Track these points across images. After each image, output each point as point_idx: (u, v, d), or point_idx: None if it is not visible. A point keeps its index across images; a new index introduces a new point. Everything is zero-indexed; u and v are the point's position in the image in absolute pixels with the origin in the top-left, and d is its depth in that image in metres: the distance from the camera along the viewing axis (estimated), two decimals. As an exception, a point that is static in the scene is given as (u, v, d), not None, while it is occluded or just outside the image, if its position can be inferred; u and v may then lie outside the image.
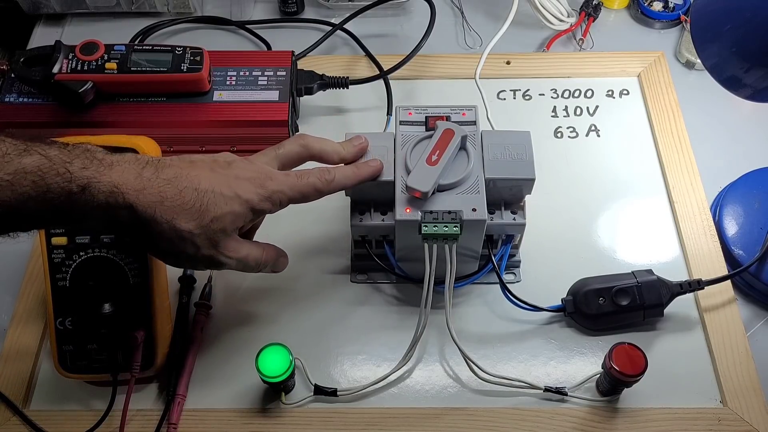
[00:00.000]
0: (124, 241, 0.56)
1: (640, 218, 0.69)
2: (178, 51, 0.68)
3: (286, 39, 0.83)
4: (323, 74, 0.74)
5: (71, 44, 0.68)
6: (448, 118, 0.59)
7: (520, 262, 0.65)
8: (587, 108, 0.77)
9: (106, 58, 0.67)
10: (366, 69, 0.79)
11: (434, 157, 0.55)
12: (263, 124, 0.69)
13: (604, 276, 0.62)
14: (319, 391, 0.58)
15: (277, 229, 0.67)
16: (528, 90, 0.78)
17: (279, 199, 0.51)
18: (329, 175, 0.54)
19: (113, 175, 0.44)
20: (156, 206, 0.45)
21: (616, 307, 0.60)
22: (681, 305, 0.62)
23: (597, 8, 0.83)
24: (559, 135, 0.75)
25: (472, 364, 0.57)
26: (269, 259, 0.54)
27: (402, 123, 0.60)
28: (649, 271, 0.62)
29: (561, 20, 0.82)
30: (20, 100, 0.69)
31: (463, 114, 0.60)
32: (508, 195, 0.59)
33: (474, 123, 0.59)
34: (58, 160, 0.42)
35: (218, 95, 0.70)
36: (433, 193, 0.55)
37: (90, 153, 0.45)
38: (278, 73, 0.71)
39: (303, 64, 0.76)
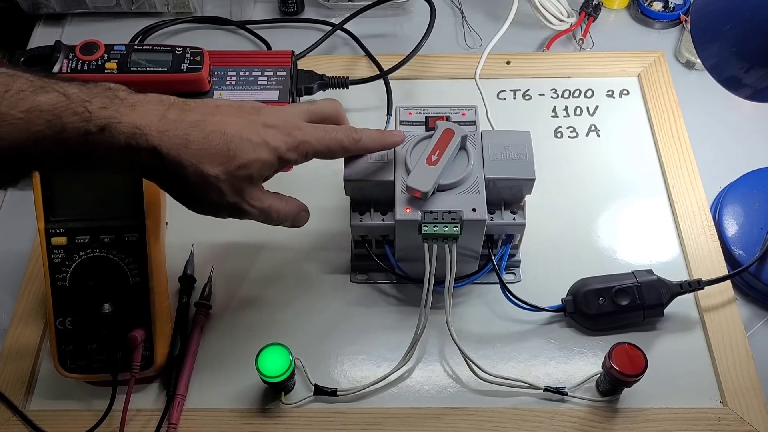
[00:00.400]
0: (125, 241, 0.56)
1: (640, 218, 0.69)
2: (178, 51, 0.68)
3: (286, 39, 0.83)
4: (323, 74, 0.74)
5: (71, 44, 0.68)
6: (448, 118, 0.59)
7: (520, 262, 0.65)
8: (587, 108, 0.77)
9: (106, 58, 0.67)
10: (366, 69, 0.79)
11: (434, 157, 0.55)
12: (263, 124, 0.68)
13: (604, 276, 0.62)
14: (319, 391, 0.58)
15: (277, 228, 0.67)
16: (528, 90, 0.78)
17: (305, 150, 0.50)
18: (357, 135, 0.52)
19: (135, 116, 0.42)
20: (181, 149, 0.44)
21: (616, 307, 0.60)
22: (681, 305, 0.62)
23: (597, 8, 0.83)
24: (559, 135, 0.75)
25: (472, 364, 0.57)
26: (291, 212, 0.53)
27: (402, 123, 0.60)
28: (649, 271, 0.62)
29: (561, 20, 0.82)
30: (20, 100, 0.68)
31: (463, 114, 0.60)
32: (508, 195, 0.59)
33: (474, 123, 0.59)
34: (76, 98, 0.41)
35: (218, 95, 0.70)
36: (433, 193, 0.55)
37: (112, 92, 0.43)
38: (278, 73, 0.71)
39: (303, 64, 0.76)
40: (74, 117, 0.40)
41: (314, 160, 0.70)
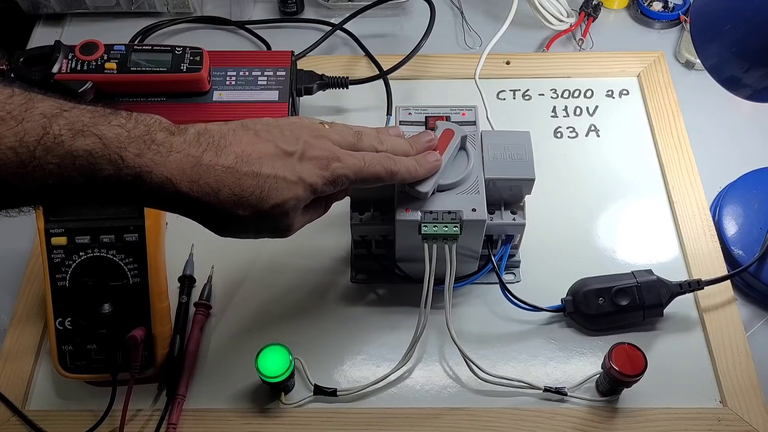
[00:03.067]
0: (125, 241, 0.56)
1: (640, 218, 0.69)
2: (178, 51, 0.68)
3: (286, 39, 0.83)
4: (323, 74, 0.74)
5: (71, 44, 0.68)
6: (447, 118, 0.59)
7: (519, 262, 0.65)
8: (587, 108, 0.77)
9: (105, 58, 0.67)
10: (366, 69, 0.79)
11: (434, 157, 0.55)
12: (263, 124, 0.68)
13: (604, 276, 0.62)
14: (319, 391, 0.58)
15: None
16: (528, 90, 0.78)
17: (342, 182, 0.49)
18: (395, 167, 0.51)
19: (168, 165, 0.42)
20: (211, 196, 0.43)
21: (616, 307, 0.60)
22: (681, 305, 0.62)
23: (597, 8, 0.83)
24: (558, 135, 0.75)
25: (471, 364, 0.57)
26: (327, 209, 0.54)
27: (402, 123, 0.60)
28: (649, 271, 0.62)
29: (561, 20, 0.82)
30: (20, 100, 0.68)
31: (463, 114, 0.60)
32: (507, 195, 0.59)
33: (474, 123, 0.59)
34: (113, 144, 0.40)
35: (218, 95, 0.70)
36: (433, 193, 0.55)
37: (150, 135, 0.41)
38: (278, 73, 0.71)
39: (303, 64, 0.76)
40: (108, 165, 0.40)
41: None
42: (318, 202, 0.51)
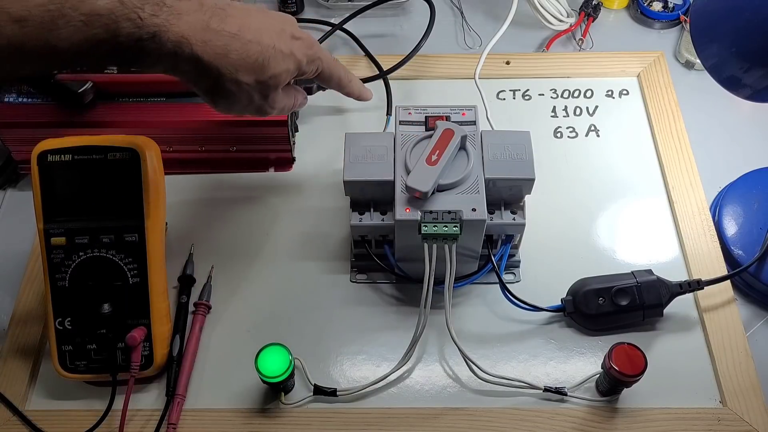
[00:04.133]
0: (124, 241, 0.57)
1: (639, 218, 0.69)
2: (178, 51, 0.68)
3: (286, 39, 0.83)
4: (323, 74, 0.74)
5: (71, 44, 0.68)
6: (447, 118, 0.59)
7: (519, 262, 0.65)
8: (587, 108, 0.77)
9: (105, 57, 0.67)
10: (366, 69, 0.79)
11: (434, 157, 0.55)
12: (262, 124, 0.69)
13: (604, 276, 0.62)
14: (319, 391, 0.58)
15: (277, 228, 0.68)
16: (528, 90, 0.78)
17: (318, 66, 0.55)
18: (351, 77, 0.61)
19: (182, 25, 0.45)
20: (221, 59, 0.47)
21: (616, 307, 0.60)
22: (681, 305, 0.62)
23: (596, 8, 0.83)
24: (558, 135, 0.75)
25: (471, 364, 0.57)
26: (297, 104, 0.59)
27: (402, 123, 0.60)
28: (649, 271, 0.62)
29: (560, 20, 0.82)
30: (20, 100, 0.69)
31: (463, 114, 0.60)
32: (507, 195, 0.59)
33: (474, 123, 0.59)
34: (130, 3, 0.43)
35: (218, 95, 0.70)
36: (433, 192, 0.55)
37: None
38: (278, 73, 0.71)
39: (303, 64, 0.76)
40: (128, 23, 0.43)
41: (314, 159, 0.71)
42: (289, 90, 0.56)
